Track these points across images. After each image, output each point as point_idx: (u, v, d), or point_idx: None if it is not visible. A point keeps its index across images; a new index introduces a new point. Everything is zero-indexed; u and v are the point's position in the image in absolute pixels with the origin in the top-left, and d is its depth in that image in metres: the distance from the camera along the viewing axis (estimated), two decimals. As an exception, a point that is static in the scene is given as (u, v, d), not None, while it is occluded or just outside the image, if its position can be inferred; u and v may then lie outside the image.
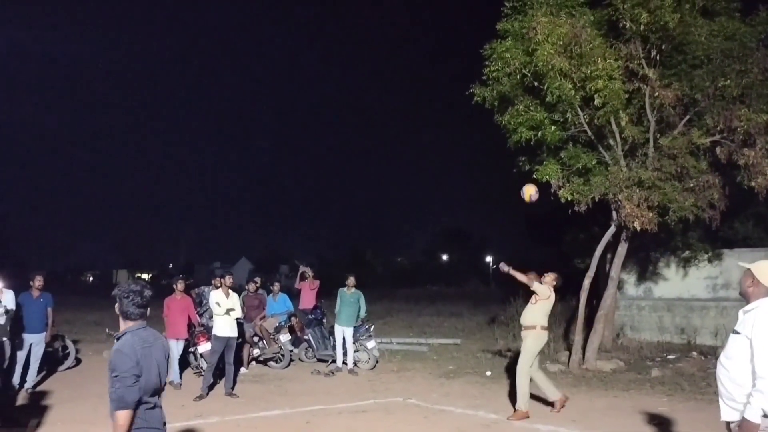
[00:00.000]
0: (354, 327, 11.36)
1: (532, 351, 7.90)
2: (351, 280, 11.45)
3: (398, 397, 9.16)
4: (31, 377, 9.42)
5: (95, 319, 20.07)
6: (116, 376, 3.42)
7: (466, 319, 20.39)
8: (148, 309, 3.80)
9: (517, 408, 7.81)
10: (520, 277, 7.94)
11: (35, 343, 9.35)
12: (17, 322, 8.99)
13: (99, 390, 9.58)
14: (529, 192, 9.24)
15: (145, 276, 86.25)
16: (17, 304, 8.91)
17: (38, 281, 9.37)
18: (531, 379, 7.94)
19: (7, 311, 8.36)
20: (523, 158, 11.86)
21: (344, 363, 11.19)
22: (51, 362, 10.67)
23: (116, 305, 3.79)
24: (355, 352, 11.46)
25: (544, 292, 7.94)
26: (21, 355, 9.22)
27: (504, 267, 8.01)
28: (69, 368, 11.09)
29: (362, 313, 11.50)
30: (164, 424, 3.66)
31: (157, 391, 3.67)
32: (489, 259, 63.55)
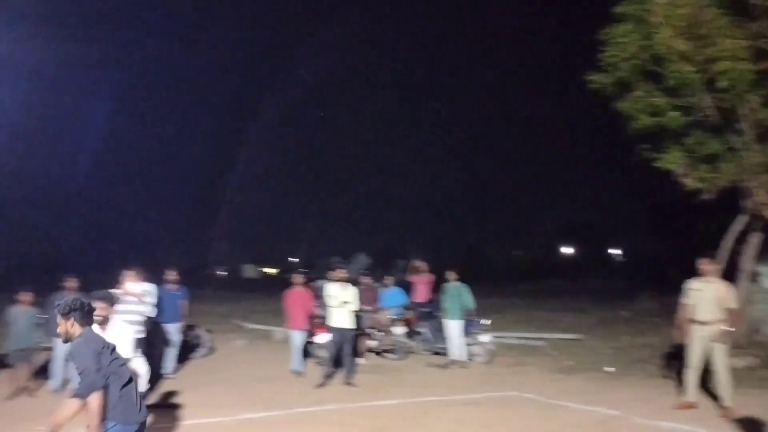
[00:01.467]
0: (467, 321, 11.41)
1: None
2: (452, 275, 11.48)
3: (513, 391, 9.12)
4: (171, 364, 10.25)
5: (225, 311, 21.47)
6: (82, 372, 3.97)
7: (589, 314, 19.75)
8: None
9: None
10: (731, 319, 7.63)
11: (172, 332, 10.15)
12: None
13: (229, 376, 10.38)
14: None
15: (269, 270, 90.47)
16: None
17: (172, 275, 10.17)
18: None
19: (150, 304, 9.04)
20: (645, 146, 11.35)
21: (454, 356, 11.27)
22: (187, 350, 11.60)
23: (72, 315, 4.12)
24: (469, 345, 11.49)
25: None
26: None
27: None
28: (203, 356, 11.98)
29: (470, 306, 11.44)
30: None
31: None
32: (613, 251, 60.92)
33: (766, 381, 9.32)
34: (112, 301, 5.68)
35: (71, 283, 9.10)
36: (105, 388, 3.94)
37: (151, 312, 8.79)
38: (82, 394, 3.88)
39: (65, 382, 8.79)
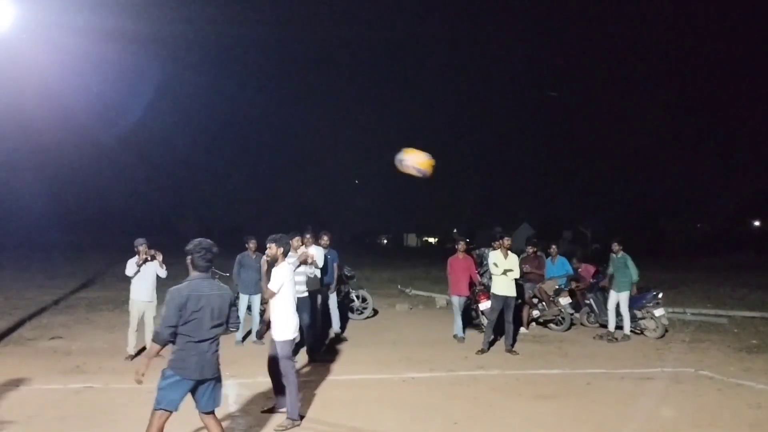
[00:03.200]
0: (640, 293, 10.89)
1: None
2: (615, 246, 10.90)
3: (689, 368, 8.56)
4: (336, 324, 10.81)
5: (388, 277, 22.21)
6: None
7: (778, 291, 17.92)
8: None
9: None
10: None
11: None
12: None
13: (393, 338, 10.78)
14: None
15: (431, 239, 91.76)
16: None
17: (252, 244, 10.02)
18: None
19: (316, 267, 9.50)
20: None
21: (618, 328, 10.77)
22: (350, 312, 12.29)
23: (188, 258, 4.56)
24: (641, 319, 10.94)
25: None
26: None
27: None
28: (368, 318, 12.53)
29: (634, 277, 10.80)
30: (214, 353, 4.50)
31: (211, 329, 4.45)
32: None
33: None
34: (282, 243, 6.16)
35: (252, 243, 9.94)
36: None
37: (317, 273, 9.29)
38: None
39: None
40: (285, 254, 6.23)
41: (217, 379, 4.51)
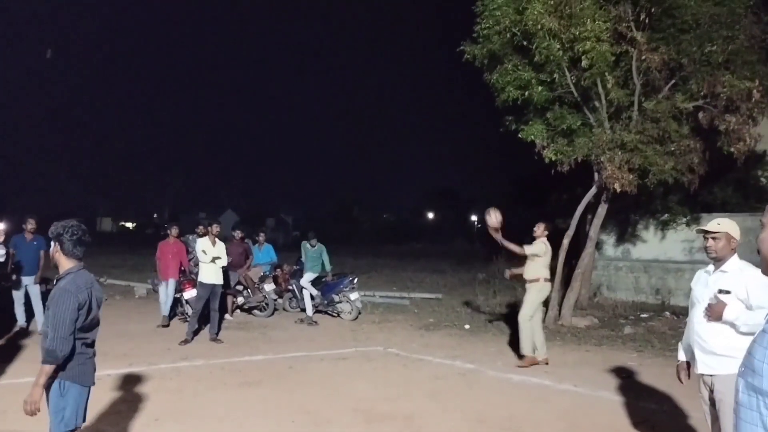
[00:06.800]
0: (339, 279, 11.76)
1: (534, 301, 8.24)
2: (311, 234, 11.73)
3: (379, 347, 9.45)
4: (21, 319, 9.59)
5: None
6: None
7: (449, 275, 20.78)
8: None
9: (524, 355, 8.16)
10: (513, 248, 8.19)
11: (29, 284, 9.48)
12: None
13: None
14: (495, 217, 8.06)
15: (129, 225, 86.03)
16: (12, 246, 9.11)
17: (30, 224, 9.47)
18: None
19: None
20: (510, 118, 11.95)
21: (302, 310, 11.75)
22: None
23: (55, 244, 3.65)
24: (338, 303, 11.76)
25: (539, 249, 8.24)
26: (18, 295, 9.49)
27: (499, 239, 8.11)
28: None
29: (327, 266, 11.69)
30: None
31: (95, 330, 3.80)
32: (474, 218, 63.96)
33: (606, 339, 10.34)
34: None
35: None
36: None
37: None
38: None
39: None
40: None
41: None
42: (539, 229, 8.41)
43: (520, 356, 8.31)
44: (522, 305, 8.36)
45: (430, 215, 76.89)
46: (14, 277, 9.38)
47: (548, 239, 8.47)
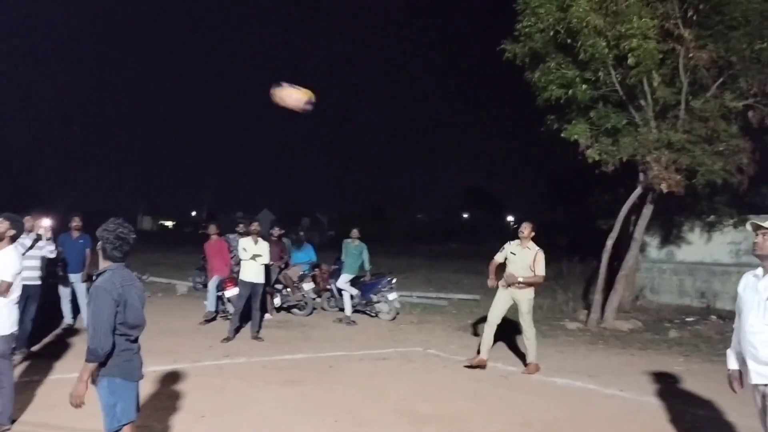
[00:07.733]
0: (378, 279, 11.73)
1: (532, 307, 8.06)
2: (354, 232, 11.66)
3: (418, 347, 9.40)
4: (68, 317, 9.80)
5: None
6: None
7: (485, 276, 20.52)
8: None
9: (531, 362, 8.00)
10: (535, 281, 7.91)
11: (76, 281, 9.67)
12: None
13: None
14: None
15: (168, 223, 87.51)
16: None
17: (75, 222, 9.65)
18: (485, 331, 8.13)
19: None
20: (552, 117, 11.77)
21: (340, 310, 11.77)
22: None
23: (99, 244, 3.81)
24: (376, 303, 11.74)
25: (543, 262, 7.87)
26: (65, 292, 9.66)
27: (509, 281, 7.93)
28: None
29: (366, 265, 11.67)
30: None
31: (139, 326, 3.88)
32: (510, 218, 63.37)
33: (650, 343, 10.12)
34: (14, 221, 5.32)
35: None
36: None
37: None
38: None
39: None
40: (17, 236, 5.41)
41: None
42: (527, 229, 7.96)
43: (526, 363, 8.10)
44: (524, 315, 7.99)
45: (465, 215, 76.40)
46: (61, 273, 9.57)
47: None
